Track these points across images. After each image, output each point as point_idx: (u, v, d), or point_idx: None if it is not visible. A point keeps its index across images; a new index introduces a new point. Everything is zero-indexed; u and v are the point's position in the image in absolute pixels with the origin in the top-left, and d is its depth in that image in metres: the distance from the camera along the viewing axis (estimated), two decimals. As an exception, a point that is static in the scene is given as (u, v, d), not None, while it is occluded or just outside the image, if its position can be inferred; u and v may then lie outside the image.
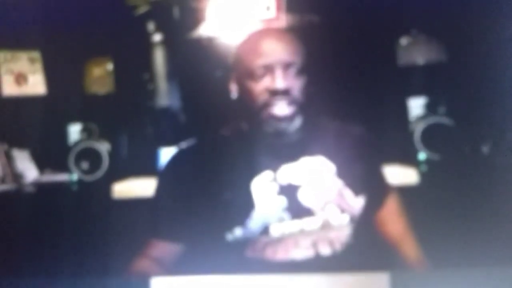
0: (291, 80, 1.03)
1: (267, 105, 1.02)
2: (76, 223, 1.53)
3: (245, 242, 1.02)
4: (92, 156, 1.74)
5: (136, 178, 1.72)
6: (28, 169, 1.81)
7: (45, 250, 1.50)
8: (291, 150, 1.06)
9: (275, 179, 1.04)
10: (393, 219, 1.15)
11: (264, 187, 1.03)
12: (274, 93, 1.01)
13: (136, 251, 1.10)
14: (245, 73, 1.04)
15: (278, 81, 1.01)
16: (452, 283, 0.98)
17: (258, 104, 1.03)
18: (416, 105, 1.71)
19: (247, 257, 1.02)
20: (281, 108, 1.02)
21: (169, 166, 1.08)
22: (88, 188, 1.73)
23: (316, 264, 1.02)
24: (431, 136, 1.62)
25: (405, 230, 1.16)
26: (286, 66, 1.02)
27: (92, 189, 1.72)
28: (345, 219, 1.06)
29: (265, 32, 1.20)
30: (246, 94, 1.05)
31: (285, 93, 1.02)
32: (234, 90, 1.09)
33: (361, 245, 1.06)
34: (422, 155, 1.63)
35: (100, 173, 1.73)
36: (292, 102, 1.03)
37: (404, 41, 1.78)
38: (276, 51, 1.03)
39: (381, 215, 1.14)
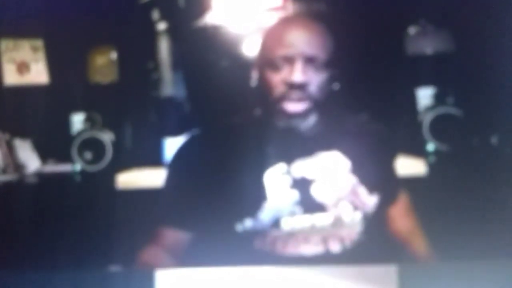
0: (310, 75, 1.00)
1: (282, 98, 1.00)
2: (79, 214, 1.52)
3: (254, 234, 1.00)
4: (95, 146, 1.72)
5: (140, 169, 1.71)
6: (30, 159, 1.79)
7: (47, 242, 1.48)
8: (306, 144, 1.04)
9: (288, 172, 1.02)
10: (402, 216, 1.14)
11: (277, 180, 1.01)
12: (290, 86, 0.99)
13: (140, 242, 1.08)
14: (266, 62, 1.02)
15: (296, 74, 0.99)
16: (459, 275, 0.97)
17: (274, 96, 1.00)
18: (424, 95, 1.69)
19: (256, 249, 1.01)
20: (295, 103, 1.00)
21: (181, 152, 1.07)
22: (92, 179, 1.71)
23: (325, 260, 1.00)
24: (439, 127, 1.61)
25: (413, 227, 1.15)
26: (308, 60, 1.00)
27: (95, 179, 1.71)
28: (358, 216, 1.04)
29: (292, 21, 1.17)
30: (264, 83, 1.03)
31: (302, 87, 0.99)
32: (254, 78, 1.07)
33: (372, 242, 1.05)
34: (430, 146, 1.62)
35: (103, 164, 1.72)
36: (307, 97, 1.00)
37: (412, 30, 1.76)
38: (300, 43, 1.00)
39: (391, 212, 1.13)
